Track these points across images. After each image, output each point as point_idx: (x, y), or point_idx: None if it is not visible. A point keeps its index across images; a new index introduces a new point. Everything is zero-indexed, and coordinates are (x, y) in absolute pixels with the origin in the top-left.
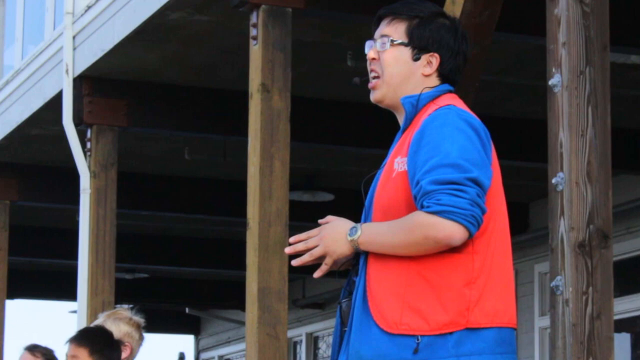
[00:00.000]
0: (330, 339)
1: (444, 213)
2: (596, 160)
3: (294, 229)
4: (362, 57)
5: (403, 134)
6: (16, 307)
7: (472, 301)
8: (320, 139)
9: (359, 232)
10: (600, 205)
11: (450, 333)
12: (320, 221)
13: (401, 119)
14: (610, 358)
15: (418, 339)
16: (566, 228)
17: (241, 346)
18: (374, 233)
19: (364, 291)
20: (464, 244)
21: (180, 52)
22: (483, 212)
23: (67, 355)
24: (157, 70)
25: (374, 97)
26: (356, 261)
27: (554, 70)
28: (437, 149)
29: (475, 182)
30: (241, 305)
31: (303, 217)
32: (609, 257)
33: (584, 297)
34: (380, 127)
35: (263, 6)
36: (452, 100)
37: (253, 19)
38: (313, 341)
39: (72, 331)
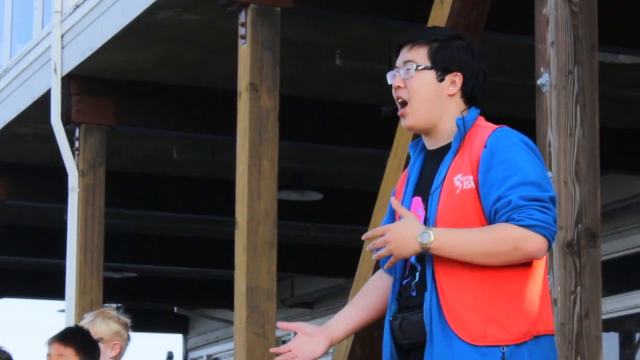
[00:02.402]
0: None
1: (536, 227)
2: (584, 159)
3: (283, 228)
4: (351, 56)
5: (457, 153)
6: (4, 306)
7: (539, 311)
8: (308, 138)
9: (432, 238)
10: (588, 204)
11: (525, 342)
12: (393, 202)
13: (434, 140)
14: (598, 357)
15: (503, 349)
16: None
17: (229, 345)
18: (451, 239)
19: (439, 305)
20: None
21: (169, 51)
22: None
23: (49, 356)
24: (146, 70)
25: (405, 124)
26: (411, 276)
27: (542, 69)
28: (513, 168)
29: (554, 201)
30: (230, 305)
31: (292, 217)
32: (598, 257)
33: (572, 297)
34: (369, 127)
35: (252, 5)
36: (487, 122)
37: (241, 18)
38: None
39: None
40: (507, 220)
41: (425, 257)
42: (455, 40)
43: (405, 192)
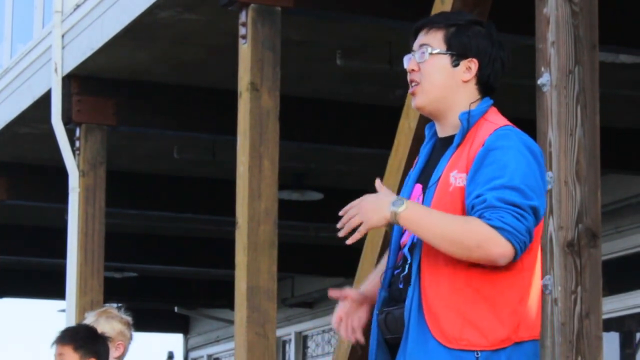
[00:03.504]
0: (319, 338)
1: (503, 231)
2: (585, 159)
3: (283, 228)
4: (351, 56)
5: (457, 148)
6: (5, 306)
7: (522, 317)
8: (309, 138)
9: (404, 206)
10: (589, 204)
11: (504, 348)
12: (377, 184)
13: (444, 127)
14: (599, 357)
15: (477, 354)
16: (555, 227)
17: (230, 345)
18: (422, 214)
19: (419, 303)
20: (516, 262)
21: (169, 50)
22: (531, 241)
23: (54, 357)
24: (146, 69)
25: (415, 103)
26: (402, 268)
27: (543, 69)
28: (501, 171)
29: (535, 211)
30: (230, 304)
31: (292, 216)
32: (598, 257)
33: (572, 297)
34: (370, 127)
35: (252, 5)
36: (498, 116)
37: (242, 17)
38: (302, 340)
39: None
40: (478, 218)
41: (414, 250)
42: (473, 25)
43: (410, 176)
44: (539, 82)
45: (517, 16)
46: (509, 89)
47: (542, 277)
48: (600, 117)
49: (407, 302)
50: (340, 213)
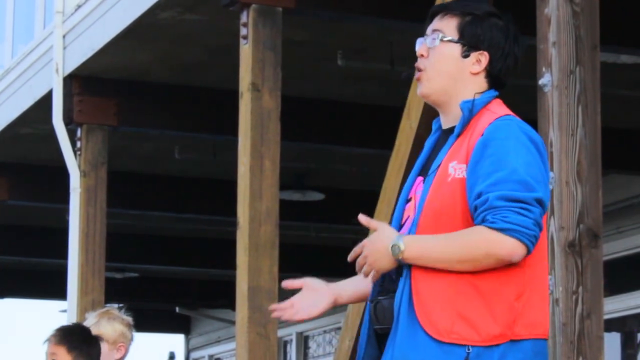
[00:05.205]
0: (320, 338)
1: (509, 231)
2: (586, 160)
3: (284, 229)
4: (352, 56)
5: (458, 138)
6: (6, 306)
7: (518, 314)
8: (310, 138)
9: (402, 249)
10: (590, 204)
11: (497, 345)
12: (362, 220)
13: (447, 118)
14: (600, 357)
15: (468, 349)
16: (556, 227)
17: (231, 345)
18: (422, 248)
19: (410, 294)
20: None
21: (171, 51)
22: (541, 231)
23: (46, 354)
24: (147, 70)
25: (420, 90)
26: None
27: (544, 69)
28: (502, 163)
29: (540, 202)
30: (231, 305)
31: (293, 217)
32: (599, 257)
33: (574, 297)
34: (371, 127)
35: (253, 5)
36: (501, 106)
37: (243, 18)
38: (303, 340)
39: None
40: (482, 221)
41: None
42: (490, 17)
43: (413, 169)
44: (540, 82)
45: (518, 16)
46: (510, 88)
47: None
48: (601, 117)
49: (398, 293)
50: (350, 259)
